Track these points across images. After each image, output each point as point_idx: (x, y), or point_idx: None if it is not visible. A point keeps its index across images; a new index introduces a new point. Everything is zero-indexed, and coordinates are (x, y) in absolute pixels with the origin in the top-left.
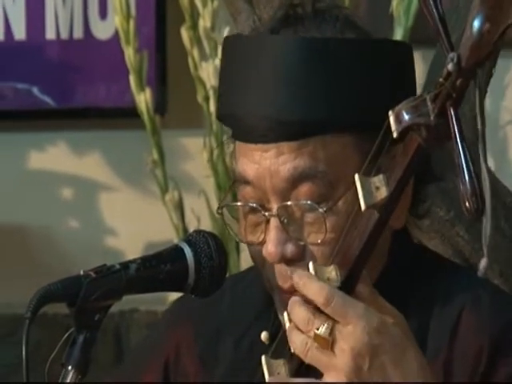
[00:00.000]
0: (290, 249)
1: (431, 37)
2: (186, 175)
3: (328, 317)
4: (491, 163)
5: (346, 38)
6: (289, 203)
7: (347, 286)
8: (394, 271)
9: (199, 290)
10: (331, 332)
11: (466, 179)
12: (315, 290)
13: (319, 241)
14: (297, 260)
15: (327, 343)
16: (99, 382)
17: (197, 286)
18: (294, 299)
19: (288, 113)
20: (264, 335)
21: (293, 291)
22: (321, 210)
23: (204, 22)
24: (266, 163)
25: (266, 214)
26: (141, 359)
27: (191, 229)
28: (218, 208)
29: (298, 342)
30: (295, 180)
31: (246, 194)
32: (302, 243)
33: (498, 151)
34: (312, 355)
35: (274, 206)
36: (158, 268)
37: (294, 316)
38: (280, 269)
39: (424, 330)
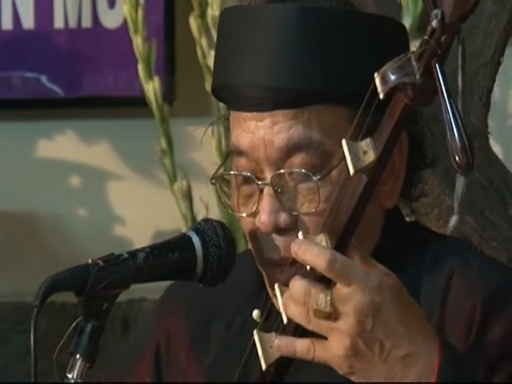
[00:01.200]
0: (282, 218)
1: None
2: (195, 164)
3: (324, 286)
4: (499, 153)
5: (342, 9)
6: (282, 171)
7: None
8: (387, 248)
9: (207, 278)
10: (331, 303)
11: (455, 135)
12: (316, 255)
13: (313, 210)
14: (289, 229)
15: (329, 316)
16: (99, 382)
17: (205, 274)
18: (296, 277)
19: (283, 80)
20: (256, 313)
21: (285, 263)
22: (315, 178)
23: (212, 11)
24: (260, 133)
25: (260, 183)
26: (134, 350)
27: (200, 217)
28: (212, 178)
29: (297, 314)
30: (289, 150)
31: (240, 165)
32: (295, 213)
33: (505, 140)
34: (315, 322)
35: (268, 176)
36: (166, 257)
37: (291, 290)
38: (272, 240)
39: (415, 296)
